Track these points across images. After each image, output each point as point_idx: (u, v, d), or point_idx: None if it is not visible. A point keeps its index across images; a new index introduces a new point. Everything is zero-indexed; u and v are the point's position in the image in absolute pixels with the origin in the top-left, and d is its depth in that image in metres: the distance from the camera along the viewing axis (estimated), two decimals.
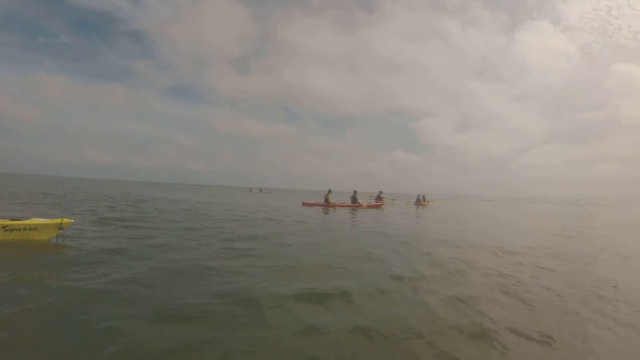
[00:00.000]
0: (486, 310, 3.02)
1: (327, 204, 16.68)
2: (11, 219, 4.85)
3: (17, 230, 4.79)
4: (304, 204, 17.37)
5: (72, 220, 5.30)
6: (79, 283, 3.10)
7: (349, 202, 17.46)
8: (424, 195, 26.03)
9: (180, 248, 4.95)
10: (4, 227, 4.69)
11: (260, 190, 55.00)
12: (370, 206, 17.69)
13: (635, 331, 2.79)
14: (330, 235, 7.33)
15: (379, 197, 20.51)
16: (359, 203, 17.28)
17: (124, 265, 3.76)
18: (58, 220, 5.00)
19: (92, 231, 6.05)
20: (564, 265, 5.19)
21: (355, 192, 17.77)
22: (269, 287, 3.23)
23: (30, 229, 4.87)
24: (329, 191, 17.28)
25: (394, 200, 24.53)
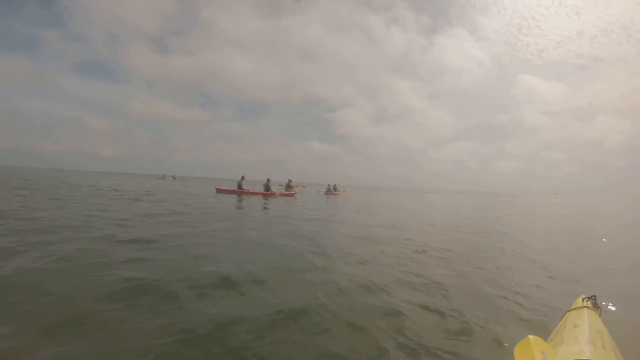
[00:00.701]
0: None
1: (240, 191, 17.02)
2: None
3: None
4: (218, 190, 17.44)
5: None
6: None
7: (261, 189, 18.01)
8: (334, 185, 27.19)
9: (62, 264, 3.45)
10: None
11: (174, 177, 52.23)
12: (282, 195, 18.49)
13: (547, 292, 3.59)
14: (248, 234, 5.98)
15: (288, 186, 20.95)
16: (272, 191, 17.96)
17: None
18: None
19: None
20: (479, 238, 6.80)
21: (268, 180, 18.43)
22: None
23: None
24: (242, 178, 17.59)
25: (304, 187, 25.03)
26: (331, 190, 26.14)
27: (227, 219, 7.84)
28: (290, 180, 21.49)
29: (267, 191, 17.79)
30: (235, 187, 17.51)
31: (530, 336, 1.45)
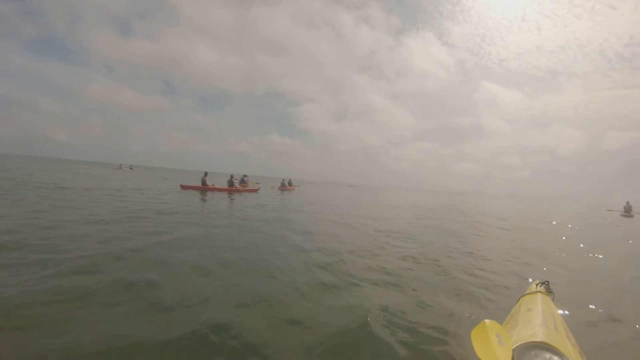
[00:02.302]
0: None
1: (204, 187, 17.51)
2: None
3: None
4: (182, 187, 17.68)
5: None
6: None
7: (225, 185, 18.68)
8: (289, 180, 26.91)
9: None
10: None
11: (131, 168, 50.45)
12: (246, 190, 19.40)
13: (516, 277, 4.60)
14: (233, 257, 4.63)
15: (242, 181, 20.64)
16: (236, 187, 18.69)
17: None
18: None
19: None
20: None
21: (232, 177, 19.16)
22: None
23: None
24: (205, 174, 18.15)
25: (258, 183, 24.16)
26: (286, 186, 25.65)
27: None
28: (244, 176, 21.20)
29: (231, 187, 18.43)
30: (199, 183, 17.94)
31: (486, 320, 1.51)
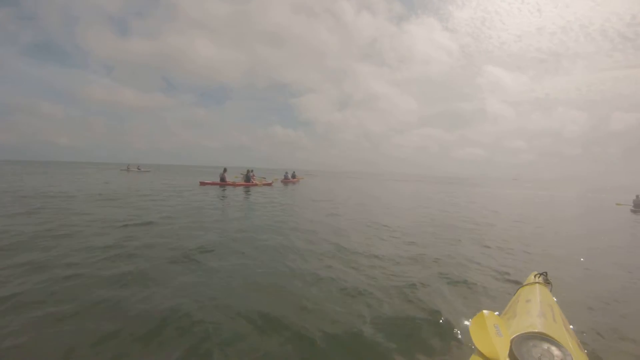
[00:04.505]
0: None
1: (224, 183, 17.86)
2: None
3: None
4: (201, 184, 17.98)
5: None
6: None
7: (241, 180, 19.10)
8: (293, 173, 26.25)
9: None
10: None
11: (138, 168, 50.48)
12: (264, 184, 19.92)
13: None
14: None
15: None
16: (253, 182, 19.04)
17: None
18: None
19: None
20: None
21: (248, 171, 19.52)
22: None
23: None
24: (225, 170, 18.56)
25: (264, 178, 22.65)
26: (289, 178, 24.58)
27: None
28: (251, 171, 20.22)
29: (247, 182, 18.79)
30: (217, 179, 18.32)
31: (484, 311, 1.51)
